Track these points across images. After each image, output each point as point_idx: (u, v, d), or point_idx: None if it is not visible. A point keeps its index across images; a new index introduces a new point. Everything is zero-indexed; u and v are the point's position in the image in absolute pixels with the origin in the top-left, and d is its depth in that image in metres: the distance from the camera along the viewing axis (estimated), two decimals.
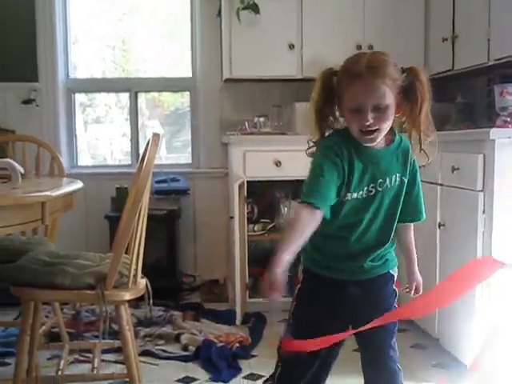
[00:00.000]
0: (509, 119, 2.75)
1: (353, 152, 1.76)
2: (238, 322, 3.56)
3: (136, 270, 2.38)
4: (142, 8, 4.71)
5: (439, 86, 4.18)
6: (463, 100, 3.94)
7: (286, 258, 1.56)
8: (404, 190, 1.84)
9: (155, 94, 4.86)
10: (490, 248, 2.54)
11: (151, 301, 2.50)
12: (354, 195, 1.77)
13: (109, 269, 2.29)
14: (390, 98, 1.68)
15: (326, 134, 1.83)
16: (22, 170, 2.31)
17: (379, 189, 1.78)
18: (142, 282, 2.46)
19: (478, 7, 3.45)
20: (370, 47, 4.11)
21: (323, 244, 1.87)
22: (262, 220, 3.98)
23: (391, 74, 1.69)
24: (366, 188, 1.77)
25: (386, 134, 1.77)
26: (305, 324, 1.91)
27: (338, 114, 1.80)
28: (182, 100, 4.84)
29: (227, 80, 4.30)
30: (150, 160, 2.30)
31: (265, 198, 4.14)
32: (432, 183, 3.02)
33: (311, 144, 1.84)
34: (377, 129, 1.70)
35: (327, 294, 1.88)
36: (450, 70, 3.82)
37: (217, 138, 4.50)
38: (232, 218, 3.55)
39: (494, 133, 2.49)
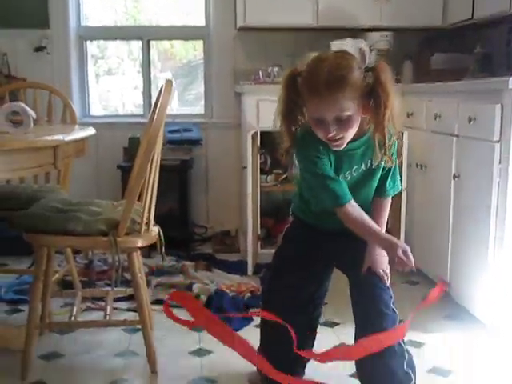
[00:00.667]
0: None
1: (326, 146, 1.83)
2: (249, 272, 3.56)
3: (148, 217, 2.38)
4: None
5: (458, 36, 4.17)
6: (482, 50, 3.85)
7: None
8: (376, 174, 1.94)
9: (167, 46, 4.78)
10: (505, 198, 2.51)
11: (163, 248, 2.51)
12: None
13: (121, 216, 2.29)
14: (351, 107, 1.72)
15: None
16: (34, 115, 2.29)
17: (354, 174, 1.91)
18: (155, 229, 2.47)
19: None
20: None
21: (306, 199, 2.02)
22: (275, 171, 3.96)
23: (351, 83, 1.70)
24: (342, 175, 1.89)
25: (381, 152, 1.85)
26: (287, 258, 2.13)
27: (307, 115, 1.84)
28: (195, 52, 4.77)
29: (241, 28, 4.23)
30: (163, 106, 2.28)
31: (278, 148, 4.10)
32: (447, 134, 2.98)
33: (285, 153, 1.97)
34: (341, 137, 1.77)
35: (312, 234, 2.04)
36: (469, 19, 3.73)
37: (230, 88, 4.45)
38: (245, 167, 3.53)
39: None
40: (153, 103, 4.44)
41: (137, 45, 4.64)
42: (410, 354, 2.08)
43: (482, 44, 3.84)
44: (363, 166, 1.91)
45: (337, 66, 1.72)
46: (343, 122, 1.73)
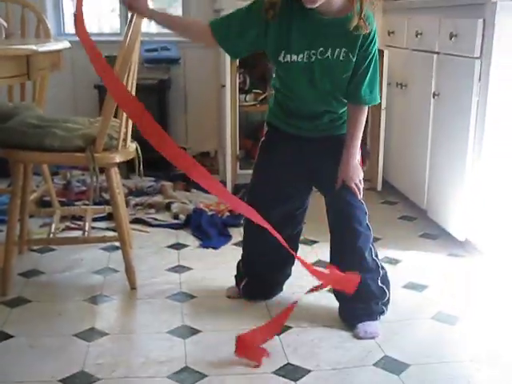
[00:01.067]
0: None
1: (295, 13, 1.78)
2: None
3: (126, 133, 2.36)
4: None
5: None
6: None
7: None
8: (351, 69, 1.86)
9: None
10: (483, 118, 2.51)
11: (141, 165, 2.50)
12: (294, 57, 1.82)
13: (98, 131, 2.27)
14: None
15: None
16: (5, 24, 2.23)
17: (319, 57, 1.82)
18: (132, 145, 2.45)
19: None
20: None
21: (280, 99, 2.01)
22: (254, 90, 3.91)
23: None
24: (306, 52, 1.81)
25: (339, 7, 1.78)
26: (265, 172, 2.13)
27: None
28: None
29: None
30: (137, 23, 2.22)
31: (257, 68, 4.04)
32: (428, 51, 2.95)
33: None
34: None
35: (287, 146, 2.04)
36: None
37: (209, 5, 4.34)
38: (223, 86, 3.49)
39: None
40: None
41: None
42: (384, 269, 2.13)
43: None
44: (329, 53, 1.82)
45: None
46: None
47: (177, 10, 4.60)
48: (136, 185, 3.66)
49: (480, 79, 2.51)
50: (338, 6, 1.79)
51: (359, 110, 1.97)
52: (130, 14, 2.16)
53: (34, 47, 1.98)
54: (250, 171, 3.76)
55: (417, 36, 3.04)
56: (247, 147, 3.99)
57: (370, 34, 1.82)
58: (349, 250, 2.04)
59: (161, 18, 1.92)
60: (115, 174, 2.41)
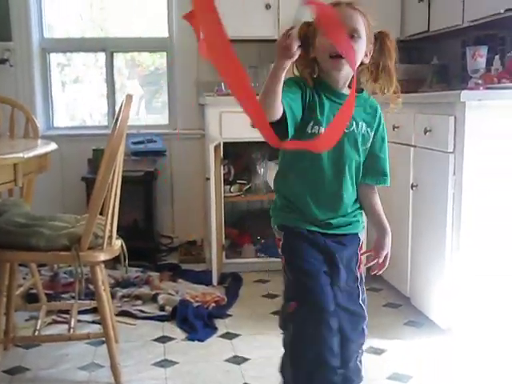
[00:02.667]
0: (480, 81, 2.78)
1: (321, 91, 1.78)
2: (214, 282, 3.60)
3: (111, 230, 2.41)
4: None
5: (415, 48, 4.27)
6: (439, 62, 3.95)
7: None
8: (369, 145, 1.86)
9: (134, 54, 4.80)
10: (459, 209, 2.59)
11: (126, 261, 2.54)
12: (322, 130, 1.77)
13: (84, 230, 2.32)
14: (363, 31, 1.73)
15: None
16: None
17: (346, 130, 1.79)
18: (118, 242, 2.49)
19: None
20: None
21: (291, 185, 1.88)
22: (239, 181, 4.00)
23: (365, 15, 1.76)
24: (319, 123, 1.77)
25: (354, 84, 1.75)
26: (301, 265, 1.88)
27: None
28: (162, 60, 4.80)
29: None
30: (123, 120, 2.32)
31: (241, 159, 4.16)
32: (405, 144, 3.06)
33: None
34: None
35: (306, 242, 1.87)
36: (425, 32, 3.83)
37: (193, 100, 4.49)
38: (208, 179, 3.57)
39: (464, 95, 2.51)
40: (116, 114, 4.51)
41: (101, 54, 4.65)
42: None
43: (438, 56, 3.96)
44: (354, 126, 1.81)
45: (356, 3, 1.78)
46: (353, 40, 1.72)
47: None
48: (123, 275, 3.67)
49: (454, 173, 2.60)
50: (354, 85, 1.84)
51: (375, 192, 1.95)
52: (117, 109, 2.19)
53: (20, 155, 2.04)
54: (236, 260, 3.88)
55: (394, 129, 3.16)
56: (233, 236, 4.05)
57: (380, 113, 1.88)
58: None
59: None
60: (100, 270, 2.44)
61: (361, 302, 1.99)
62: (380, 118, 1.88)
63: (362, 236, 1.97)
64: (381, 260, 1.97)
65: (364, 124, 1.83)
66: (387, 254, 1.97)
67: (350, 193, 1.88)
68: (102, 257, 2.35)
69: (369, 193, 1.94)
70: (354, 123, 1.82)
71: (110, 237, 2.41)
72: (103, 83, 4.69)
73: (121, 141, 2.30)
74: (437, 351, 2.72)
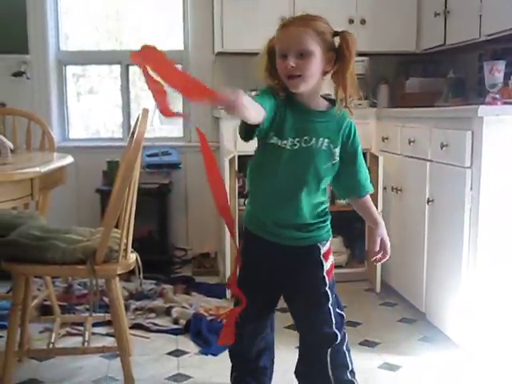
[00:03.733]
0: (498, 96, 2.76)
1: (287, 103, 1.86)
2: (228, 295, 3.58)
3: (126, 244, 2.40)
4: None
5: (431, 61, 4.26)
6: (455, 75, 3.94)
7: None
8: (333, 161, 1.92)
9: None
10: (476, 224, 2.57)
11: (141, 275, 2.53)
12: (279, 142, 1.86)
13: (99, 243, 2.32)
14: (312, 46, 1.80)
15: None
16: (12, 146, 2.32)
17: (303, 145, 1.87)
18: (132, 256, 2.49)
19: None
20: (363, 21, 4.11)
21: (254, 189, 2.05)
22: None
23: (316, 27, 1.82)
24: (291, 139, 1.86)
25: (323, 99, 1.91)
26: (245, 283, 2.04)
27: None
28: None
29: (219, 53, 4.28)
30: (139, 134, 2.32)
31: None
32: (421, 159, 3.04)
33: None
34: (299, 75, 1.81)
35: (262, 256, 2.01)
36: (441, 45, 3.82)
37: (208, 112, 4.50)
38: None
39: (482, 110, 2.49)
40: (133, 124, 4.52)
41: (116, 67, 4.67)
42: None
43: (454, 69, 3.94)
44: (313, 141, 1.88)
45: (308, 14, 1.88)
46: (304, 58, 1.79)
47: None
48: (137, 288, 3.67)
49: (471, 188, 2.58)
50: (321, 100, 1.92)
51: (369, 200, 2.05)
52: (132, 121, 2.23)
53: (37, 169, 2.05)
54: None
55: (410, 143, 3.14)
56: None
57: (352, 126, 1.95)
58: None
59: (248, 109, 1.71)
60: (115, 284, 2.44)
61: (329, 306, 2.01)
62: (349, 132, 1.94)
63: (327, 244, 2.02)
64: (376, 248, 2.03)
65: (326, 140, 1.89)
66: (385, 243, 2.04)
67: (308, 207, 1.94)
68: (117, 270, 2.34)
69: (358, 202, 2.05)
70: (314, 139, 1.88)
71: (126, 250, 2.41)
72: (118, 94, 4.71)
73: (137, 154, 2.30)
74: (452, 368, 2.69)
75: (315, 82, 1.85)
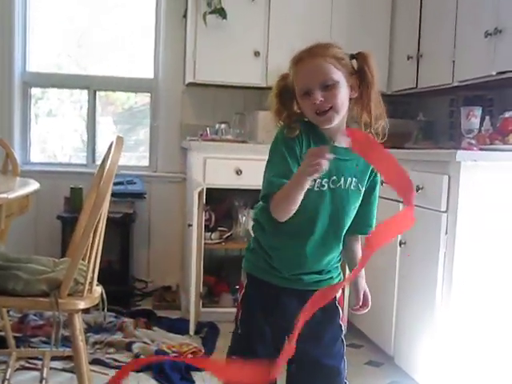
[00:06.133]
0: (474, 141, 2.77)
1: (310, 138, 1.73)
2: (191, 331, 3.48)
3: (92, 277, 2.30)
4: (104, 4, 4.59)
5: (402, 103, 4.28)
6: (424, 118, 3.97)
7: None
8: (359, 200, 1.80)
9: (108, 92, 4.72)
10: (451, 269, 2.54)
11: (105, 309, 2.43)
12: (322, 182, 1.72)
13: (64, 276, 2.21)
14: (336, 74, 1.68)
15: None
16: None
17: (332, 186, 1.74)
18: (98, 289, 2.39)
19: (445, 28, 3.48)
20: None
21: (272, 243, 1.81)
22: (220, 228, 3.92)
23: (334, 53, 1.70)
24: (318, 180, 1.71)
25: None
26: (251, 332, 1.86)
27: (296, 108, 1.77)
28: (136, 99, 4.74)
29: (190, 84, 4.23)
30: (113, 164, 2.24)
31: (223, 205, 4.09)
32: (394, 200, 3.02)
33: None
34: (330, 107, 1.68)
35: (270, 302, 1.82)
36: (413, 88, 3.84)
37: (176, 143, 4.43)
38: (190, 225, 3.48)
39: (460, 155, 2.49)
40: (97, 151, 4.44)
41: (82, 91, 4.58)
42: None
43: (424, 112, 3.97)
44: (342, 182, 1.74)
45: (318, 43, 1.74)
46: (329, 89, 1.67)
47: None
48: (95, 319, 3.54)
49: (447, 232, 2.57)
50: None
51: (359, 240, 1.90)
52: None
53: (5, 195, 1.93)
54: (213, 309, 3.77)
55: (382, 184, 3.12)
56: (210, 284, 3.95)
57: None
58: None
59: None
60: (78, 319, 2.33)
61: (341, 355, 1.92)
62: (372, 171, 1.81)
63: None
64: (359, 304, 1.89)
65: (354, 179, 1.76)
66: (367, 297, 1.89)
67: (334, 250, 1.82)
68: (82, 305, 2.24)
69: (354, 243, 1.90)
70: (342, 179, 1.74)
71: (91, 283, 2.31)
72: (77, 118, 4.63)
73: (110, 184, 2.23)
74: None
75: (346, 111, 1.73)
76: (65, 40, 4.63)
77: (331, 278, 1.85)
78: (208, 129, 4.06)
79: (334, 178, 1.73)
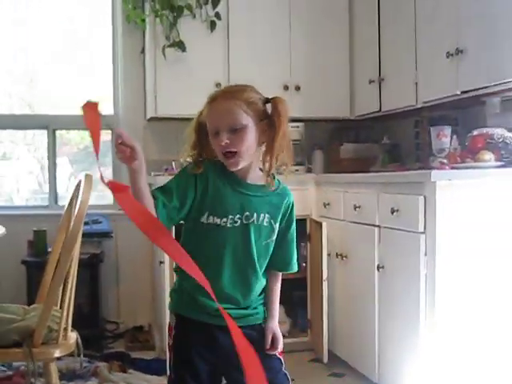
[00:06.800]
0: (445, 161, 2.77)
1: (221, 177, 1.75)
2: (168, 371, 3.36)
3: (66, 322, 2.21)
4: (53, 41, 4.49)
5: (365, 127, 4.30)
6: (389, 141, 3.98)
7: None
8: (273, 236, 1.81)
9: (63, 132, 4.60)
10: (433, 290, 2.51)
11: (81, 355, 2.34)
12: (218, 221, 1.73)
13: (37, 323, 2.11)
14: (245, 119, 1.70)
15: None
16: None
17: (245, 222, 1.75)
18: (73, 335, 2.29)
19: (405, 50, 3.51)
20: (297, 88, 4.12)
21: (191, 279, 1.63)
22: None
23: (247, 97, 1.72)
24: (231, 216, 1.74)
25: (265, 176, 1.77)
26: (184, 375, 1.80)
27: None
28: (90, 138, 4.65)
29: (151, 118, 4.17)
30: (83, 203, 2.18)
31: None
32: (369, 225, 3.00)
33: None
34: (235, 151, 1.69)
35: (200, 340, 1.78)
36: (377, 112, 3.86)
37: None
38: (162, 263, 3.39)
39: (434, 175, 2.48)
40: (58, 193, 4.33)
41: (34, 132, 4.48)
42: None
43: (389, 135, 3.99)
44: (255, 217, 1.75)
45: (235, 85, 1.80)
46: (237, 133, 1.69)
47: None
48: (67, 366, 3.39)
49: (426, 253, 2.54)
50: (259, 172, 1.79)
51: (279, 277, 1.90)
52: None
53: None
54: None
55: (355, 209, 3.10)
56: None
57: (290, 202, 1.82)
58: None
59: (144, 183, 1.65)
60: (54, 367, 2.23)
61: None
62: (288, 206, 1.83)
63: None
64: (268, 346, 1.84)
65: (267, 215, 1.78)
66: (274, 337, 1.85)
67: (256, 285, 1.81)
68: (58, 353, 2.16)
69: (273, 279, 1.89)
70: (255, 215, 1.76)
71: (66, 329, 2.21)
72: (31, 160, 4.53)
73: (80, 225, 2.15)
74: None
75: (253, 155, 1.75)
76: (15, 81, 4.52)
77: (257, 313, 1.85)
78: (173, 163, 3.99)
79: (247, 213, 1.75)
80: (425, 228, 2.55)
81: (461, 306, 2.53)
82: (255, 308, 1.84)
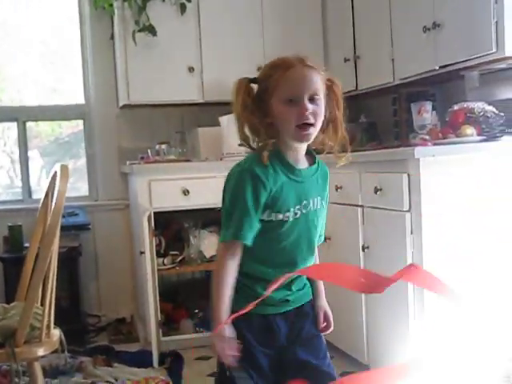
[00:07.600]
0: (427, 137, 2.73)
1: (277, 167, 1.66)
2: (155, 363, 3.32)
3: (49, 320, 2.14)
4: (20, 30, 4.37)
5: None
6: (366, 120, 3.94)
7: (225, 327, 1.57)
8: (323, 215, 1.79)
9: (32, 124, 4.48)
10: None
11: (65, 351, 2.27)
12: (280, 216, 1.67)
13: (18, 322, 2.05)
14: (322, 91, 1.64)
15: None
16: None
17: (304, 211, 1.70)
18: (56, 332, 2.23)
19: (380, 27, 3.46)
20: None
21: (252, 271, 1.72)
22: (171, 252, 3.77)
23: (321, 74, 1.66)
24: (292, 209, 1.67)
25: (306, 154, 1.72)
26: (250, 370, 1.72)
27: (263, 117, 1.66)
28: (60, 130, 4.55)
29: (124, 106, 4.08)
30: (60, 195, 2.09)
31: (170, 228, 3.94)
32: (352, 205, 2.96)
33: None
34: (312, 124, 1.61)
35: (258, 333, 1.73)
36: (353, 90, 3.81)
37: (115, 168, 4.25)
38: (142, 253, 3.32)
39: (418, 151, 2.44)
40: (31, 187, 4.23)
41: (11, 124, 4.34)
42: None
43: (366, 113, 3.94)
44: (311, 204, 1.70)
45: (305, 55, 1.67)
46: (315, 103, 1.61)
47: None
48: (50, 362, 3.31)
49: (412, 232, 2.51)
50: (306, 156, 1.73)
51: (317, 252, 1.85)
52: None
53: None
54: (174, 337, 3.61)
55: (337, 190, 3.06)
56: (167, 311, 3.79)
57: (328, 176, 1.81)
58: None
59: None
60: (38, 366, 2.16)
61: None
62: (327, 180, 1.81)
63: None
64: (321, 326, 1.83)
65: (318, 198, 1.74)
66: (326, 314, 1.84)
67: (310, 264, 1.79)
68: (42, 351, 2.10)
69: (316, 255, 1.85)
70: (311, 201, 1.71)
71: (48, 326, 2.14)
72: (1, 154, 4.41)
73: (59, 218, 2.07)
74: None
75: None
76: None
77: (308, 287, 1.82)
78: (149, 151, 3.91)
79: (305, 202, 1.70)
80: (410, 206, 2.51)
81: (450, 281, 2.50)
82: (305, 285, 1.81)
